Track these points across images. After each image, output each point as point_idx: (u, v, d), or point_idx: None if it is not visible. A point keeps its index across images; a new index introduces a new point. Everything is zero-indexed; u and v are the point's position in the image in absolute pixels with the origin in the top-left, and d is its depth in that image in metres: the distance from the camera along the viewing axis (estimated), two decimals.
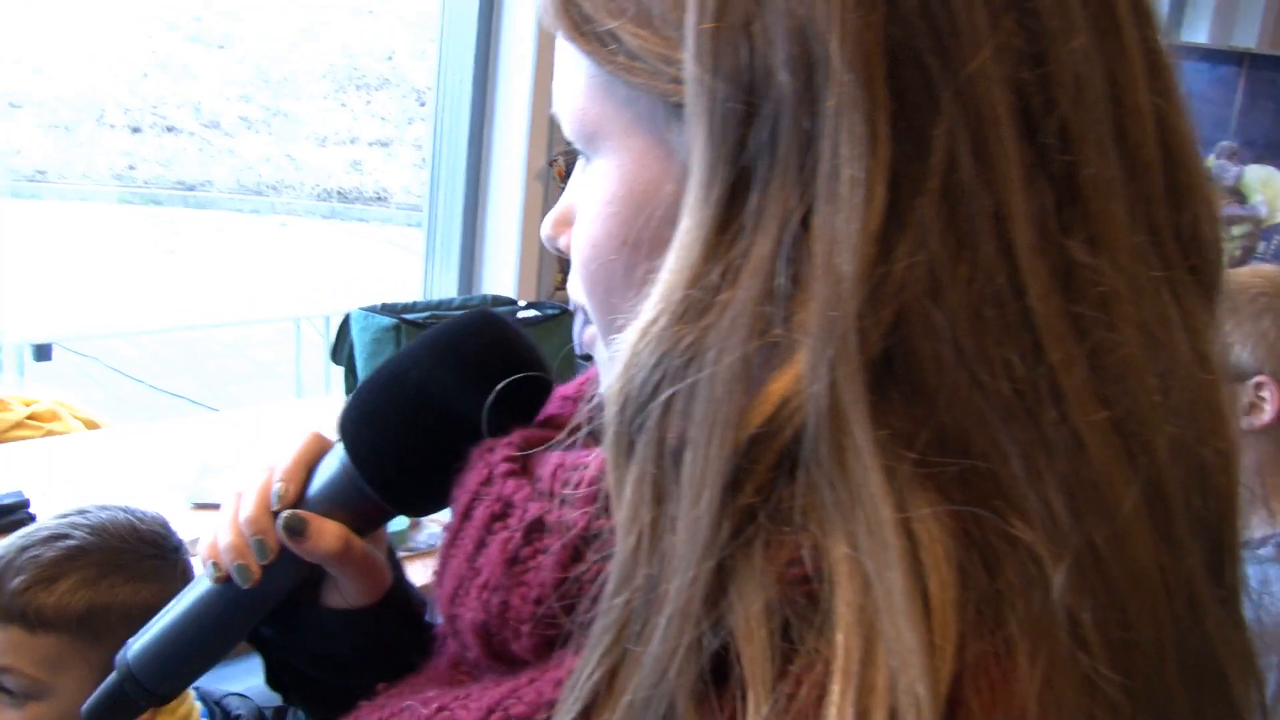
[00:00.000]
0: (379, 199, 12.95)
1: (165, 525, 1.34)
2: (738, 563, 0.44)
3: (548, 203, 3.50)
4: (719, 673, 0.44)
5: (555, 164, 3.41)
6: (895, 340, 0.43)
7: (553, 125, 3.23)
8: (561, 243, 0.59)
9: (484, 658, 0.60)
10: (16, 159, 12.68)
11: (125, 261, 7.11)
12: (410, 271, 9.00)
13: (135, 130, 13.50)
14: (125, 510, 1.31)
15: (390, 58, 14.30)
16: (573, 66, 0.53)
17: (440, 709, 0.57)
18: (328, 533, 0.69)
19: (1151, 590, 0.45)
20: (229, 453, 2.70)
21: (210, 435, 2.88)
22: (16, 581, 1.20)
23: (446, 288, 3.96)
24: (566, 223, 0.58)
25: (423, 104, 12.30)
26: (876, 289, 0.43)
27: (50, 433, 3.00)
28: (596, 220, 0.53)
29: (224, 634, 0.75)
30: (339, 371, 3.24)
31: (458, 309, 3.30)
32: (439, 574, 0.63)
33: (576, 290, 0.56)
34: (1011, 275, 0.44)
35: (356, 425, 0.71)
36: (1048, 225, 0.44)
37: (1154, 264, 0.47)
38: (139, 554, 1.27)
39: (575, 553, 0.54)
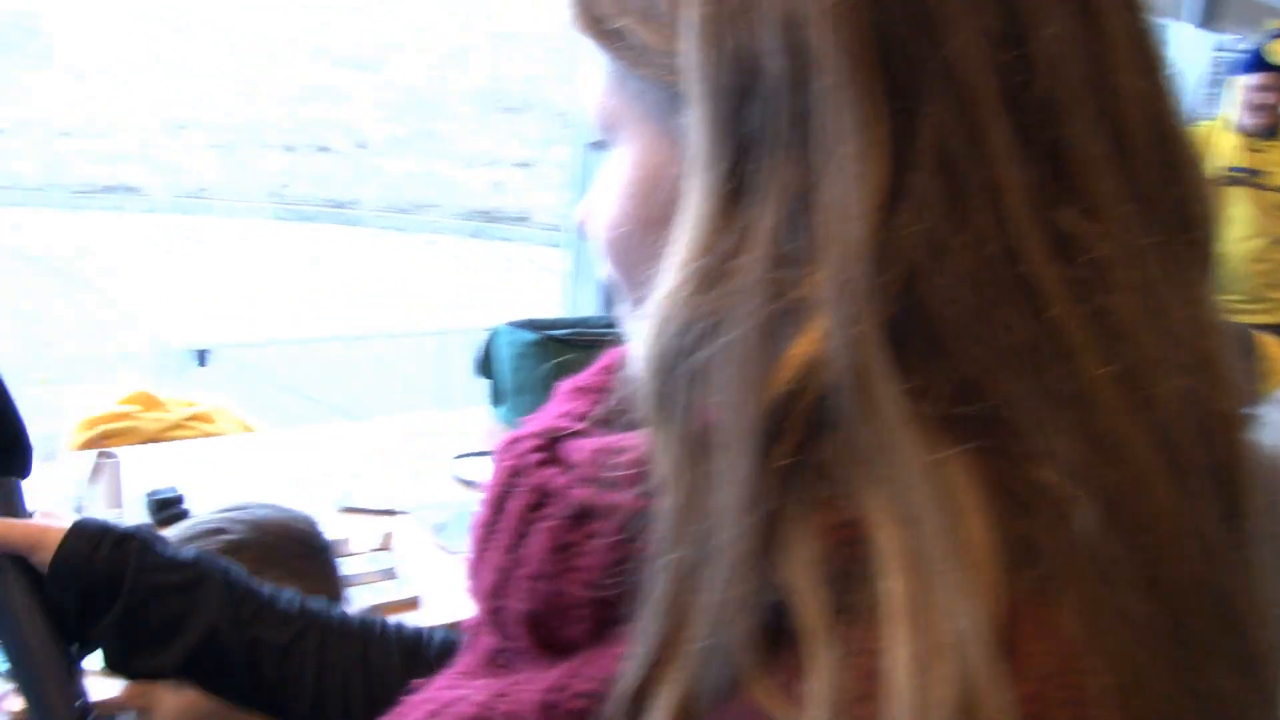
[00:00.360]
0: (521, 219, 13.15)
1: (314, 524, 1.34)
2: (781, 519, 0.46)
3: None
4: (778, 626, 0.45)
5: None
6: (907, 302, 0.45)
7: None
8: (590, 227, 0.62)
9: (532, 646, 0.60)
10: (181, 177, 13.32)
11: (279, 275, 7.37)
12: (551, 289, 9.13)
13: (290, 150, 14.02)
14: (276, 509, 1.32)
15: (534, 81, 14.55)
16: (594, 63, 0.57)
17: (499, 695, 0.58)
18: None
19: (1172, 531, 0.47)
20: (375, 459, 2.74)
21: (358, 442, 2.93)
22: None
23: (588, 305, 3.96)
24: None
25: (565, 126, 12.47)
26: (882, 255, 0.45)
27: (207, 434, 3.09)
28: (615, 202, 0.57)
29: (32, 655, 0.89)
30: (483, 385, 3.26)
31: (600, 326, 3.29)
32: (473, 568, 0.64)
33: (604, 270, 0.60)
34: (1009, 243, 0.46)
35: None
36: (1040, 196, 0.47)
37: (1147, 233, 0.49)
38: (291, 551, 1.27)
39: (627, 533, 0.55)
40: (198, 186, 13.22)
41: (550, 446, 0.64)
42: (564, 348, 3.15)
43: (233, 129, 14.09)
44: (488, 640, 0.66)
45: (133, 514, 2.30)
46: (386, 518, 2.42)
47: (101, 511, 2.19)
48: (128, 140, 13.54)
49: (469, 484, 2.69)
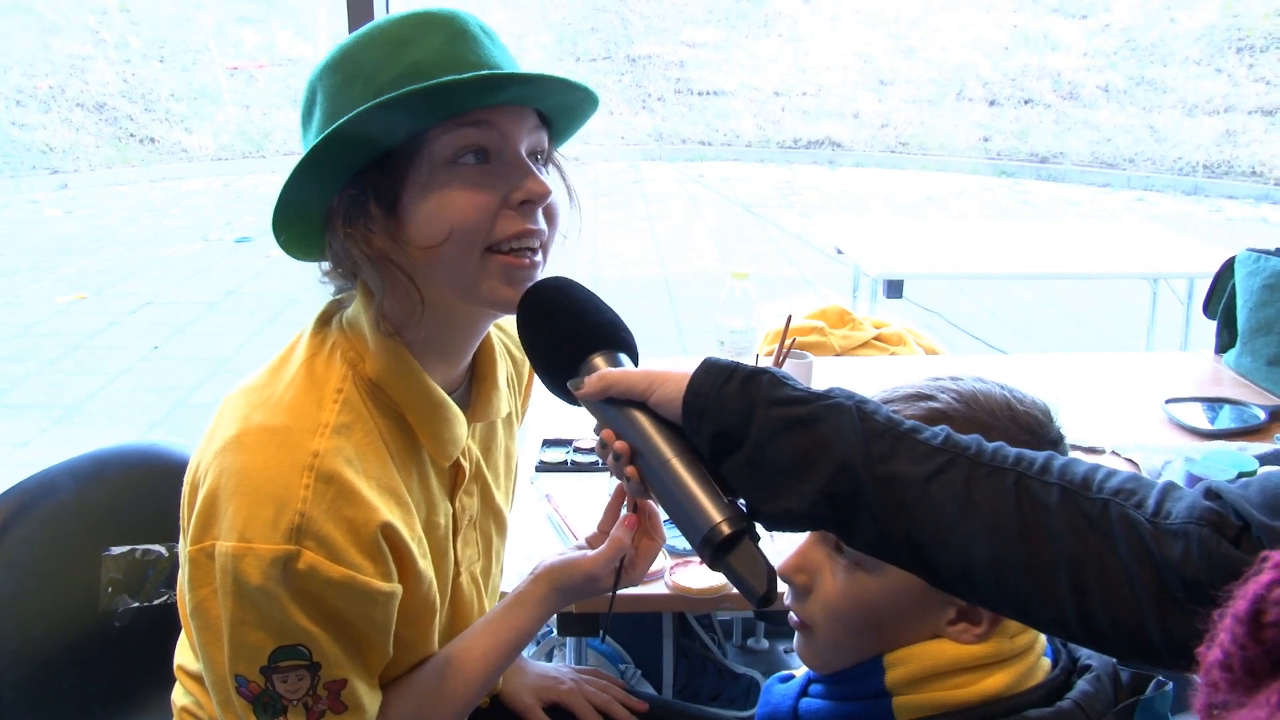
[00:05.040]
0: (1253, 174, 11.61)
1: (1047, 414, 1.04)
2: None
3: None
4: None
5: None
6: None
7: None
8: None
9: None
10: (883, 131, 13.64)
11: (972, 225, 7.20)
12: None
13: (992, 103, 13.74)
14: (1004, 388, 1.05)
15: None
16: None
17: None
18: None
19: None
20: (1075, 394, 2.37)
21: (1057, 375, 2.58)
22: None
23: None
24: None
25: None
26: None
27: (894, 355, 2.93)
28: None
29: (675, 473, 0.91)
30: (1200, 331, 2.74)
31: None
32: None
33: None
34: None
35: None
36: None
37: None
38: (1008, 435, 1.00)
39: None
40: (899, 140, 13.44)
41: None
42: None
43: (936, 84, 14.13)
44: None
45: None
46: (1088, 455, 2.05)
47: None
48: (834, 98, 14.14)
49: (1182, 428, 2.22)
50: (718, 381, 0.87)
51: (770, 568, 0.87)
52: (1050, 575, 0.76)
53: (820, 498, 0.82)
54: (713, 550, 0.87)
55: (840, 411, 0.84)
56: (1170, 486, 0.78)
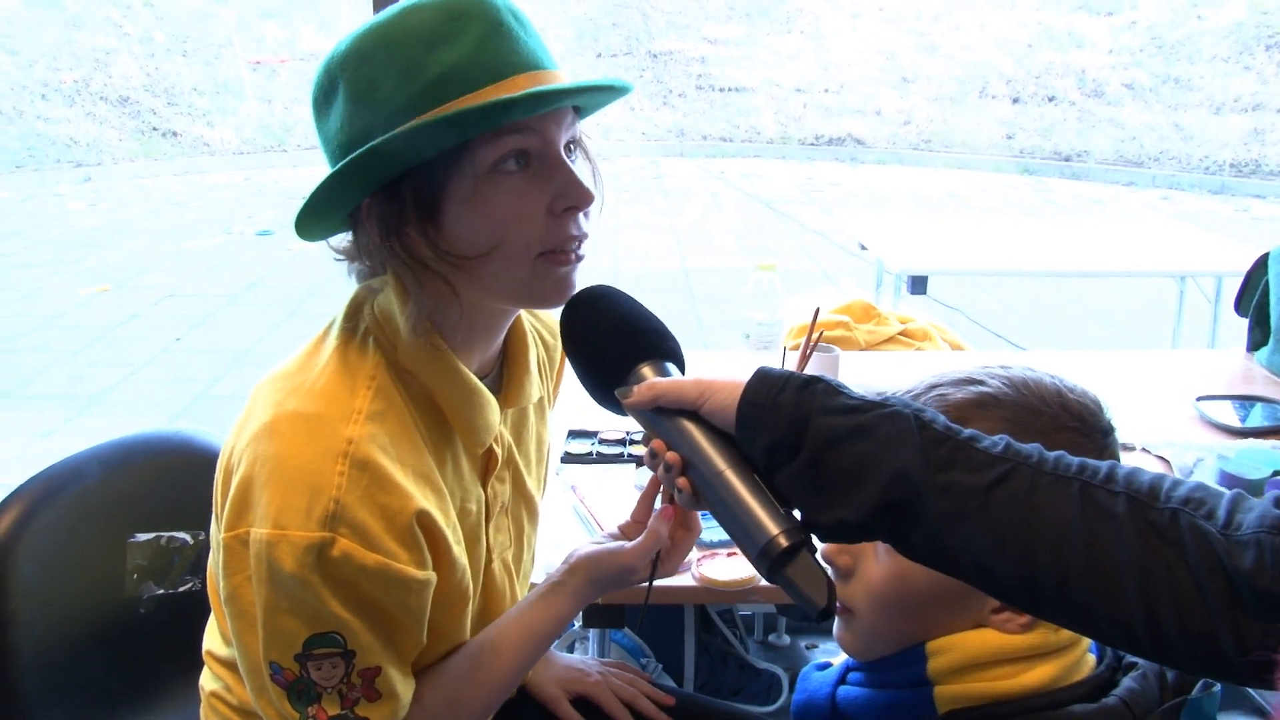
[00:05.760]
0: None
1: (1098, 405, 1.03)
2: None
3: None
4: None
5: None
6: None
7: None
8: None
9: None
10: (905, 128, 13.61)
11: (998, 222, 7.18)
12: None
13: (1015, 101, 13.68)
14: (1055, 378, 1.04)
15: None
16: None
17: None
18: None
19: None
20: (1106, 390, 2.34)
21: (1087, 371, 2.55)
22: None
23: None
24: None
25: None
26: None
27: (919, 350, 2.91)
28: None
29: (730, 485, 0.89)
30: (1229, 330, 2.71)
31: None
32: None
33: None
34: None
35: None
36: None
37: None
38: (1058, 421, 0.98)
39: None
40: (921, 138, 13.39)
41: None
42: None
43: (959, 81, 14.08)
44: None
45: None
46: (1125, 453, 2.04)
47: None
48: (856, 95, 14.11)
49: (1213, 425, 2.20)
50: (772, 390, 0.85)
51: (829, 579, 0.85)
52: (1117, 586, 0.75)
53: (877, 507, 0.80)
54: (770, 563, 0.85)
55: (897, 419, 0.82)
56: (1239, 497, 0.76)
